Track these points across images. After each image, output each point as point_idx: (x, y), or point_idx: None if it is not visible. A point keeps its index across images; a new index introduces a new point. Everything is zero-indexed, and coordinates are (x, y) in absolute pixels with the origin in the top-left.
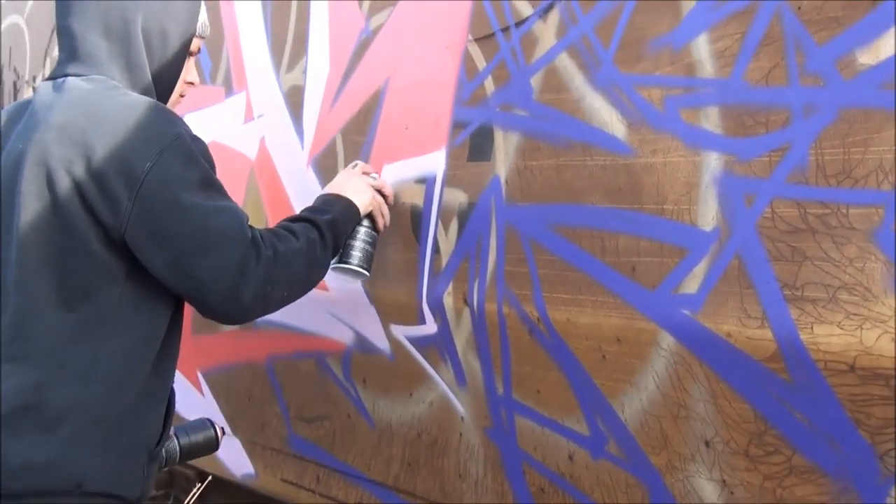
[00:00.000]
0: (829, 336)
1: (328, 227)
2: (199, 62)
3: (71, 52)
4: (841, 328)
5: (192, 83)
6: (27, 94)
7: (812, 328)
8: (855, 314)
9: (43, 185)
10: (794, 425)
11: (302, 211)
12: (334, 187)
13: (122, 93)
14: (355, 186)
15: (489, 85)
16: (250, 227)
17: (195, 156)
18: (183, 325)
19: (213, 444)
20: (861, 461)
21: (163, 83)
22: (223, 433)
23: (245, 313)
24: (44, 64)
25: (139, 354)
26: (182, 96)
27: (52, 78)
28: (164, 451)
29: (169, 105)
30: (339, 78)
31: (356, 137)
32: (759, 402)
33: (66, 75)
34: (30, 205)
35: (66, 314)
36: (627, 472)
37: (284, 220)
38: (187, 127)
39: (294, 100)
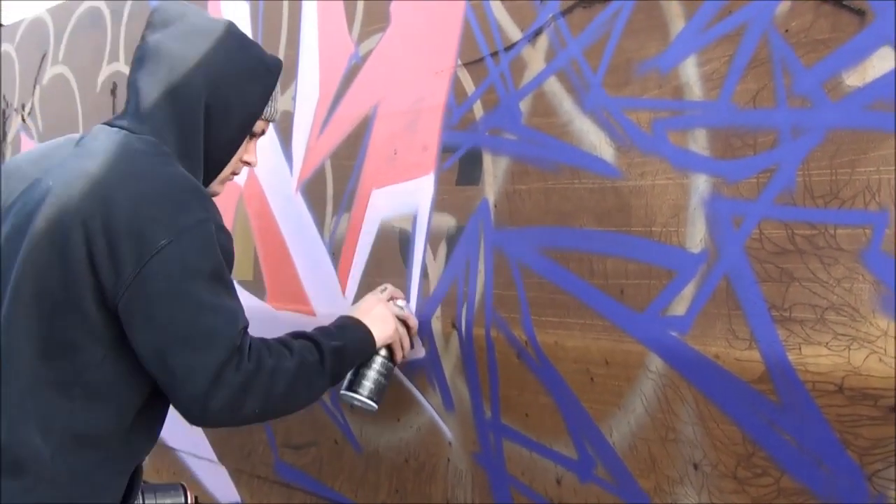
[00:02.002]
0: (817, 357)
1: (333, 354)
2: None
3: (134, 108)
4: (829, 349)
5: (248, 163)
6: (15, 122)
7: (800, 349)
8: (843, 334)
9: (56, 231)
10: (782, 447)
11: (314, 329)
12: (357, 311)
13: (168, 162)
14: (379, 315)
15: (478, 109)
16: (244, 332)
17: (213, 246)
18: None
19: None
20: (850, 482)
21: (216, 157)
22: (196, 501)
23: (209, 420)
24: (33, 92)
25: (105, 425)
26: (235, 174)
27: (109, 124)
28: None
29: (219, 179)
30: (329, 103)
31: (345, 162)
32: (747, 423)
33: (122, 127)
34: (38, 246)
35: (39, 365)
36: (616, 495)
37: (291, 333)
38: (218, 215)
39: (283, 125)
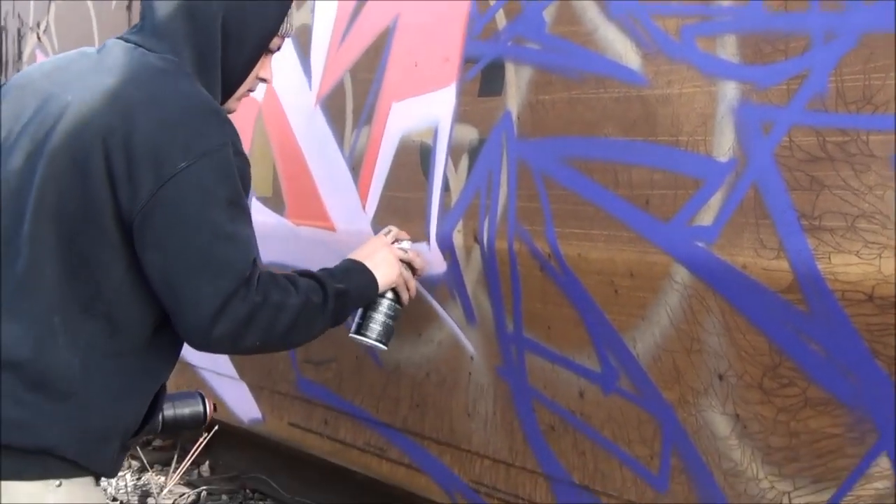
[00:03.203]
0: (846, 265)
1: (336, 296)
2: None
3: (151, 25)
4: (859, 257)
5: (264, 79)
6: (31, 40)
7: (830, 258)
8: (874, 243)
9: (75, 146)
10: (809, 357)
11: (319, 270)
12: (361, 255)
13: (188, 82)
14: (382, 259)
15: (501, 19)
16: (255, 264)
17: (232, 171)
18: None
19: (199, 420)
20: (878, 392)
21: (233, 75)
22: (214, 409)
23: (210, 346)
24: (48, 10)
25: (128, 341)
26: (251, 91)
27: (125, 39)
28: None
29: (236, 96)
30: (348, 16)
31: (365, 76)
32: (774, 333)
33: (138, 44)
34: (57, 160)
35: (63, 280)
36: (639, 407)
37: (297, 271)
38: (237, 139)
39: (301, 39)
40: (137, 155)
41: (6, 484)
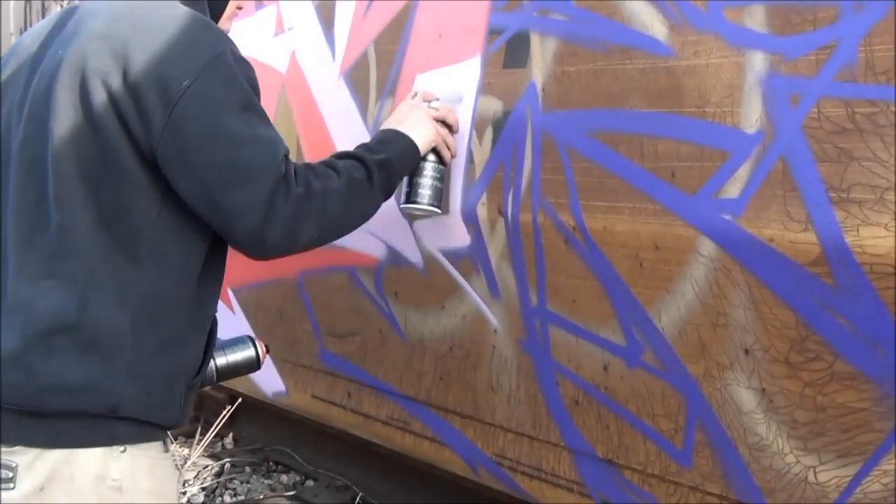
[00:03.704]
0: (875, 238)
1: (379, 167)
2: None
3: None
4: (888, 230)
5: None
6: (55, 10)
7: (858, 230)
8: None
9: (78, 96)
10: (837, 330)
11: (356, 147)
12: (393, 122)
13: (170, 4)
14: (416, 120)
15: None
16: (286, 159)
17: (237, 77)
18: (227, 251)
19: (253, 365)
20: None
21: None
22: (267, 351)
23: (269, 251)
24: None
25: (176, 280)
26: (240, 8)
27: None
28: None
29: (225, 17)
30: None
31: (389, 47)
32: (801, 307)
33: None
34: (65, 115)
35: (101, 233)
36: (664, 381)
37: (333, 154)
38: (234, 46)
39: (325, 11)
40: (140, 88)
41: (68, 453)
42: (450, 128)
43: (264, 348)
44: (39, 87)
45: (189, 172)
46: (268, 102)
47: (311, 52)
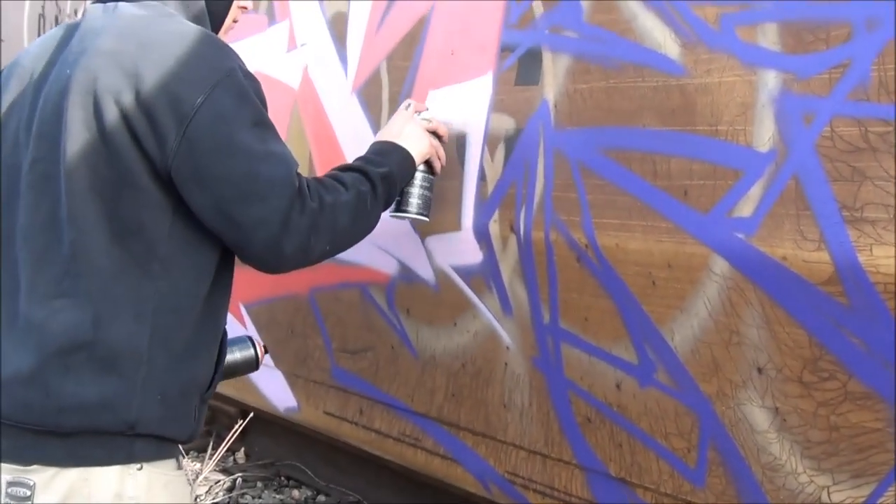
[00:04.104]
0: (888, 257)
1: (381, 180)
2: None
3: None
4: None
5: (244, 7)
6: None
7: (871, 250)
8: None
9: (91, 114)
10: (850, 350)
11: (355, 160)
12: (389, 134)
13: (176, 21)
14: (411, 133)
15: (538, 7)
16: (298, 175)
17: (248, 93)
18: (235, 264)
19: (252, 363)
20: None
21: (217, 7)
22: (265, 351)
23: (285, 264)
24: None
25: (189, 294)
26: (235, 21)
27: (101, 1)
28: None
29: (223, 31)
30: (384, 4)
31: (401, 63)
32: (814, 326)
33: (117, 0)
34: (77, 134)
35: (115, 250)
36: (676, 400)
37: (335, 168)
38: (241, 62)
39: (338, 27)
40: (153, 105)
41: (86, 472)
42: (440, 138)
43: (263, 348)
44: (49, 107)
45: (205, 188)
46: (280, 118)
47: (324, 68)
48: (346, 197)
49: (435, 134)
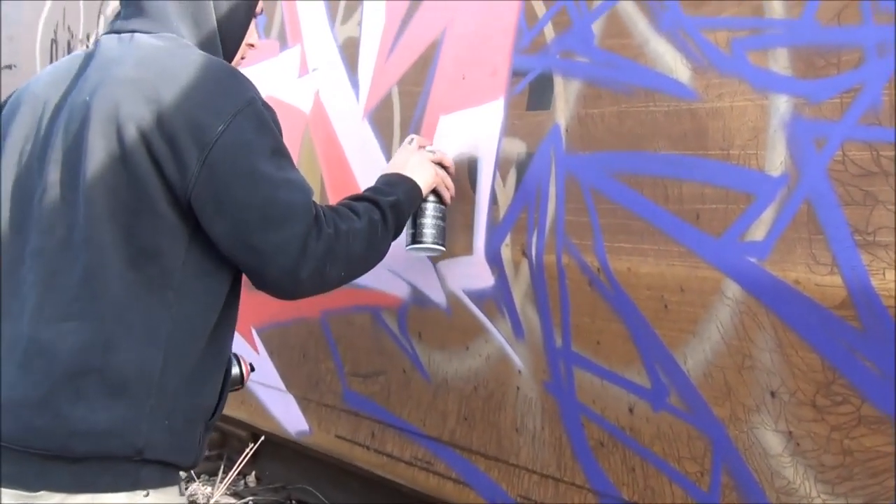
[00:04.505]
0: None
1: (391, 209)
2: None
3: (137, 8)
4: None
5: (252, 45)
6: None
7: (884, 273)
8: None
9: (112, 140)
10: (864, 374)
11: (365, 191)
12: (395, 166)
13: (195, 52)
14: (416, 163)
15: (549, 32)
16: (314, 202)
17: (267, 122)
18: (241, 293)
19: (237, 381)
20: None
21: (229, 43)
22: (251, 370)
23: (300, 291)
24: (97, 22)
25: (198, 322)
26: (243, 58)
27: (115, 32)
28: None
29: (235, 61)
30: (395, 29)
31: (412, 88)
32: (827, 350)
33: (133, 31)
34: (98, 160)
35: (130, 274)
36: (690, 424)
37: (347, 198)
38: (259, 92)
39: (349, 52)
40: (175, 133)
41: (93, 498)
42: (447, 170)
43: (248, 367)
44: (68, 135)
45: (225, 214)
46: (292, 142)
47: (336, 93)
48: (360, 225)
49: (441, 165)
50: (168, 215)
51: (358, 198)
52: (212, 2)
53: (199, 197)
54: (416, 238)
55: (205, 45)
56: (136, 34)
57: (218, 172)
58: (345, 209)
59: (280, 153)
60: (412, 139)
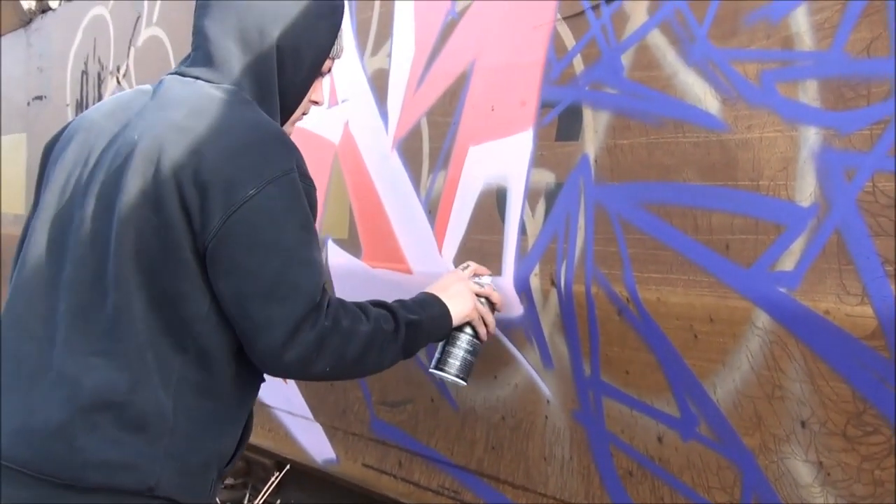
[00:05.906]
0: None
1: (407, 326)
2: None
3: (205, 56)
4: None
5: (316, 102)
6: (110, 84)
7: None
8: None
9: (149, 183)
10: (894, 404)
11: (395, 301)
12: (437, 288)
13: (251, 109)
14: (457, 292)
15: (578, 64)
16: (323, 289)
17: (300, 196)
18: None
19: None
20: None
21: (289, 100)
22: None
23: (282, 371)
24: (127, 54)
25: (216, 374)
26: (305, 114)
27: (180, 74)
28: None
29: (291, 121)
30: (425, 60)
31: (442, 119)
32: (858, 380)
33: (197, 78)
34: (132, 199)
35: (152, 317)
36: (719, 453)
37: (371, 300)
38: (302, 161)
39: (379, 83)
40: (208, 184)
41: None
42: (493, 306)
43: None
44: (113, 168)
45: (232, 276)
46: (321, 173)
47: (365, 123)
48: (364, 328)
49: (488, 301)
50: (191, 263)
51: (379, 303)
52: (276, 58)
53: (214, 252)
54: (439, 364)
55: (263, 99)
56: (200, 82)
57: (236, 234)
58: (355, 307)
59: (307, 229)
60: (468, 265)
